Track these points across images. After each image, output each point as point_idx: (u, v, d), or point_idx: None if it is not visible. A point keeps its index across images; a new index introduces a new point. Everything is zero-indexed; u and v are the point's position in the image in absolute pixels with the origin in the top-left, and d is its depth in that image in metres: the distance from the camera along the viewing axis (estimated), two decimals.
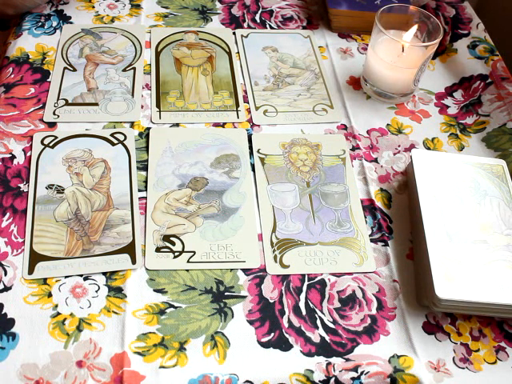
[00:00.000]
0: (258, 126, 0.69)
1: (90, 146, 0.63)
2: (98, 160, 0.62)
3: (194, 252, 0.56)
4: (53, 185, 0.59)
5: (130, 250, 0.55)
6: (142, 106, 0.69)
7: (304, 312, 0.53)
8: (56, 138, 0.63)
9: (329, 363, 0.50)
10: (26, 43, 0.74)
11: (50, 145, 0.63)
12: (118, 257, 0.55)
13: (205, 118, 0.69)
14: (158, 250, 0.56)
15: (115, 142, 0.64)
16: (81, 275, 0.53)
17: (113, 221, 0.57)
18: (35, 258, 0.53)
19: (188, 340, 0.50)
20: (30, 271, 0.53)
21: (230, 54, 0.78)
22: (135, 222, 0.57)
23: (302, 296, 0.54)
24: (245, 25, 0.83)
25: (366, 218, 0.61)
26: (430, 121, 0.73)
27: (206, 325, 0.51)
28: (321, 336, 0.52)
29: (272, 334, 0.51)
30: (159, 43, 0.77)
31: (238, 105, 0.71)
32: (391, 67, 0.70)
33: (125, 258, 0.54)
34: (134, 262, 0.54)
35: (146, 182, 0.61)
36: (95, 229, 0.56)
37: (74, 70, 0.72)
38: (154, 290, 0.53)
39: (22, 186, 0.59)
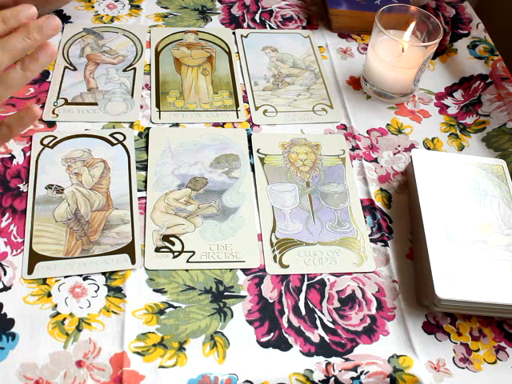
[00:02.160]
0: (258, 125, 0.69)
1: (89, 146, 0.63)
2: (97, 160, 0.62)
3: (194, 252, 0.56)
4: (52, 185, 0.59)
5: (129, 249, 0.55)
6: (142, 106, 0.69)
7: (303, 312, 0.53)
8: (55, 138, 0.63)
9: (328, 363, 0.49)
10: None
11: (50, 145, 0.63)
12: (117, 257, 0.54)
13: (204, 117, 0.69)
14: (157, 249, 0.56)
15: (114, 142, 0.64)
16: (80, 275, 0.53)
17: (112, 221, 0.57)
18: (35, 258, 0.53)
19: (187, 340, 0.50)
20: (30, 271, 0.53)
21: (229, 53, 0.78)
22: (135, 222, 0.57)
23: (302, 296, 0.54)
24: (244, 25, 0.83)
25: (365, 217, 0.61)
26: (429, 121, 0.73)
27: (205, 325, 0.51)
28: (320, 336, 0.52)
29: (271, 334, 0.51)
30: (159, 43, 0.77)
31: (237, 105, 0.71)
32: (391, 67, 0.70)
33: (124, 258, 0.54)
34: (133, 261, 0.54)
35: (145, 181, 0.61)
36: (95, 229, 0.56)
37: (75, 69, 0.72)
38: (154, 290, 0.53)
39: (21, 186, 0.59)
